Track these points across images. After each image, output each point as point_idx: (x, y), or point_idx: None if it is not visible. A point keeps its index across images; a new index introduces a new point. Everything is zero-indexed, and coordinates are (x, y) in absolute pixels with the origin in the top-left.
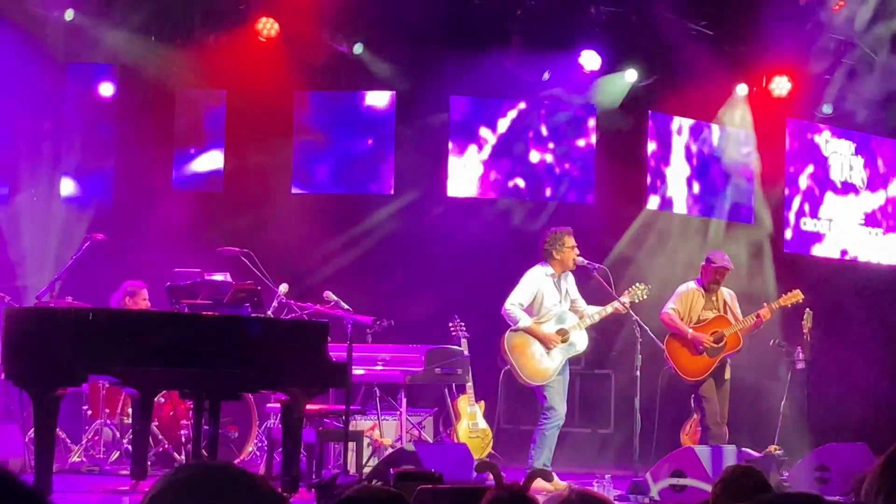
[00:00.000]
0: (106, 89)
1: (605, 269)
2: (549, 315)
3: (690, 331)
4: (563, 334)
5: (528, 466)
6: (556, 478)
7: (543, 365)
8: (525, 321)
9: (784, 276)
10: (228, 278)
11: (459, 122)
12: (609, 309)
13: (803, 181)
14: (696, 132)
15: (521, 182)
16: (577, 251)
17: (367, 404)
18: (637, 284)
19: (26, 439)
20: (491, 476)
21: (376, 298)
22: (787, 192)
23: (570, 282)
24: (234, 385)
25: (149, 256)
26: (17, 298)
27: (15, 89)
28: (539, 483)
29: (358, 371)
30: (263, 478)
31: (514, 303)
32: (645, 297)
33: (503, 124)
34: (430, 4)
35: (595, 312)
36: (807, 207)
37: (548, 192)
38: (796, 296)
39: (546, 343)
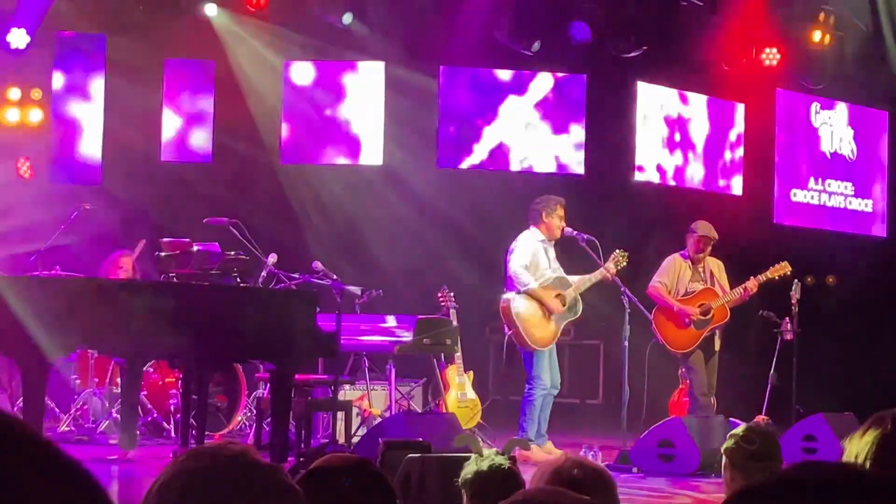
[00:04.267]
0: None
1: (593, 240)
2: (547, 280)
3: (677, 304)
4: (561, 299)
5: (522, 437)
6: (536, 447)
7: (548, 329)
8: (534, 283)
9: (773, 247)
10: (217, 248)
11: (449, 93)
12: (596, 277)
13: (793, 152)
14: (684, 103)
15: (510, 153)
16: (564, 223)
17: (355, 374)
18: (618, 251)
19: (15, 409)
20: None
21: (365, 269)
22: (776, 162)
23: (553, 253)
24: (222, 354)
25: (137, 226)
26: (4, 267)
27: (2, 59)
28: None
29: (347, 341)
30: (279, 468)
31: (522, 265)
32: (625, 262)
33: (493, 95)
34: None
35: (580, 283)
36: (797, 178)
37: (536, 162)
38: (784, 268)
39: (551, 309)
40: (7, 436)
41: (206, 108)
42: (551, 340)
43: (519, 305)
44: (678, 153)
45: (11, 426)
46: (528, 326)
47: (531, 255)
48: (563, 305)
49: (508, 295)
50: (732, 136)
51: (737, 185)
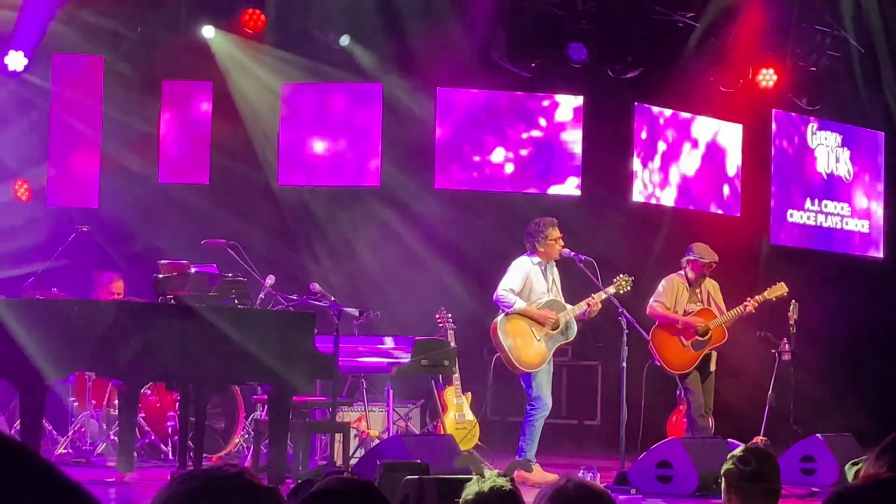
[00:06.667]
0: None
1: (591, 261)
2: (540, 303)
3: (682, 318)
4: (552, 322)
5: (521, 458)
6: (537, 468)
7: (535, 351)
8: (520, 303)
9: (770, 268)
10: (215, 270)
11: (446, 114)
12: (584, 305)
13: (790, 173)
14: (682, 124)
15: (508, 173)
16: (561, 243)
17: (353, 396)
18: (622, 275)
19: (12, 431)
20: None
21: (363, 290)
22: (773, 183)
23: (556, 274)
24: (220, 376)
25: (134, 248)
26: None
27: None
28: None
29: (344, 363)
30: (276, 491)
31: (506, 288)
32: (629, 288)
33: (490, 117)
34: None
35: (575, 307)
36: (793, 199)
37: (534, 183)
38: (781, 289)
39: (542, 321)
40: (10, 460)
41: (203, 130)
42: (541, 362)
43: (505, 328)
44: (675, 174)
45: (14, 450)
46: (514, 349)
47: (523, 278)
48: (555, 329)
49: (497, 318)
50: (729, 156)
51: (734, 206)
